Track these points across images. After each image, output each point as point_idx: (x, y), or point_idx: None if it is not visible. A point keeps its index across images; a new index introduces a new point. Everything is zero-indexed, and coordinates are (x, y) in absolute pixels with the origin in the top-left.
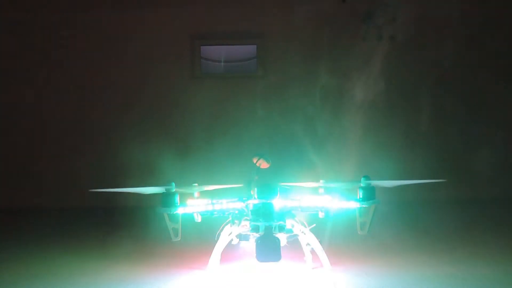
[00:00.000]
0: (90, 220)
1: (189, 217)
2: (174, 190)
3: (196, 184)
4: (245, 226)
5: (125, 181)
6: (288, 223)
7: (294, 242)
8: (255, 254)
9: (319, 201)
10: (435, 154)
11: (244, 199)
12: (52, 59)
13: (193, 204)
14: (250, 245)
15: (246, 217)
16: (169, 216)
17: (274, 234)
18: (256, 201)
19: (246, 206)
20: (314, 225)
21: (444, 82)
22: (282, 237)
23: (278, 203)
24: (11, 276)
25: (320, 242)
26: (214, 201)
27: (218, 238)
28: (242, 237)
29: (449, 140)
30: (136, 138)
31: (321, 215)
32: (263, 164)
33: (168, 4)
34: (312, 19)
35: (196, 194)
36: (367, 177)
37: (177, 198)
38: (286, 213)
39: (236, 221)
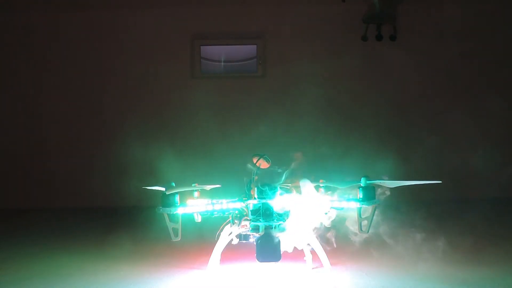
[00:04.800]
0: (90, 220)
1: (189, 217)
2: (174, 190)
3: (196, 184)
4: (245, 226)
5: (125, 181)
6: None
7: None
8: (255, 254)
9: (319, 201)
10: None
11: (244, 199)
12: (51, 59)
13: (193, 204)
14: (250, 245)
15: (246, 217)
16: (169, 216)
17: (274, 234)
18: (256, 201)
19: (246, 206)
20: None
21: (444, 82)
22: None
23: (278, 203)
24: (11, 276)
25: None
26: (214, 201)
27: (218, 238)
28: (242, 237)
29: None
30: (135, 138)
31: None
32: (263, 164)
33: (168, 4)
34: (312, 19)
35: (196, 194)
36: (367, 177)
37: (177, 198)
38: (286, 213)
39: (236, 221)
